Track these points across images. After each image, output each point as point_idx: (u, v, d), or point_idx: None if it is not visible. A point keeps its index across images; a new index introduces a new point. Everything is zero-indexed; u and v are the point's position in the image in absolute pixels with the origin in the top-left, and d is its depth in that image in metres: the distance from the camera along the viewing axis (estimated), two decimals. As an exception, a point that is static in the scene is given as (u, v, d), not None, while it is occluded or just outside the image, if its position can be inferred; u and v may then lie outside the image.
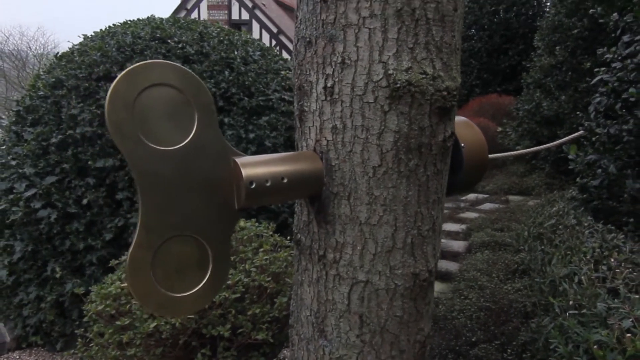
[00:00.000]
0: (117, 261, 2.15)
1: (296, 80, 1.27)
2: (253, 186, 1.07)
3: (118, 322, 1.65)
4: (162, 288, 1.03)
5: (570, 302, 2.03)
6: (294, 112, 1.37)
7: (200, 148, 1.05)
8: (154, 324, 1.59)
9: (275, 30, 17.88)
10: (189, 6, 18.94)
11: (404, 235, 1.21)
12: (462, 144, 1.39)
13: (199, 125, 1.06)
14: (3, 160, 3.01)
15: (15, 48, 26.23)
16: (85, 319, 1.83)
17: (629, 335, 1.58)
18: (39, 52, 26.61)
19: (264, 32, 18.22)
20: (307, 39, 1.18)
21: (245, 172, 1.06)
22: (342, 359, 1.33)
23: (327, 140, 1.18)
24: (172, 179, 1.03)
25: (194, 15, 18.75)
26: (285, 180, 1.12)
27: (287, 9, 21.82)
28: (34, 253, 2.84)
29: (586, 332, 1.75)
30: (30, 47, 26.43)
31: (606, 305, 1.82)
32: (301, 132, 1.28)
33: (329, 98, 1.15)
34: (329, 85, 1.13)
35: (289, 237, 2.16)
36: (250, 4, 18.13)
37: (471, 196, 6.26)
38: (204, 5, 18.63)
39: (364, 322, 1.28)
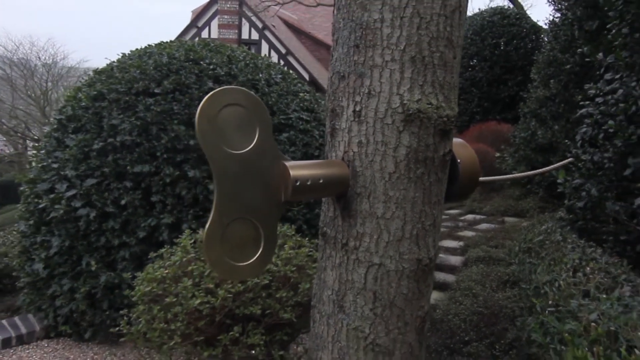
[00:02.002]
0: (155, 254, 2.46)
1: (330, 104, 1.62)
2: (298, 184, 1.40)
3: (167, 299, 1.96)
4: (228, 258, 1.35)
5: (550, 302, 2.34)
6: (326, 130, 1.71)
7: (259, 153, 1.39)
8: (198, 301, 1.90)
9: (284, 51, 18.35)
10: (200, 24, 19.47)
11: (411, 227, 1.54)
12: (459, 160, 1.73)
13: (259, 135, 1.40)
14: (44, 163, 3.34)
15: (25, 57, 26.67)
16: (134, 298, 2.13)
17: (594, 324, 1.89)
18: (48, 62, 27.08)
19: (272, 52, 18.67)
20: (341, 74, 1.53)
21: (293, 173, 1.39)
22: (358, 329, 1.65)
23: (354, 152, 1.52)
24: (239, 175, 1.36)
25: (205, 33, 19.27)
26: (321, 181, 1.46)
27: (296, 30, 22.47)
28: (70, 248, 3.14)
29: (561, 325, 2.05)
30: (39, 57, 26.93)
31: (578, 302, 2.13)
32: (331, 145, 1.63)
33: (356, 119, 1.49)
34: (357, 109, 1.48)
35: (306, 238, 2.48)
36: (260, 25, 18.65)
37: (469, 217, 6.57)
38: (214, 24, 19.14)
39: (377, 297, 1.60)
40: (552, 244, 3.35)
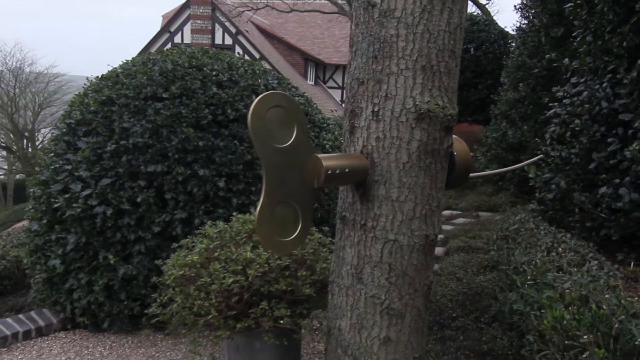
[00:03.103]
0: (177, 244, 2.69)
1: (349, 106, 1.92)
2: (329, 172, 1.69)
3: (202, 279, 2.20)
4: (275, 234, 1.63)
5: (528, 278, 2.70)
6: (344, 128, 2.01)
7: (297, 146, 1.68)
8: (231, 280, 2.15)
9: (257, 56, 18.49)
10: (172, 29, 19.42)
11: (420, 208, 1.85)
12: (455, 153, 2.05)
13: (297, 132, 1.68)
14: (56, 166, 3.50)
15: (-9, 63, 25.85)
16: (168, 282, 2.36)
17: (568, 291, 2.24)
18: (16, 67, 26.32)
19: (246, 57, 18.70)
20: (360, 80, 1.83)
21: (325, 163, 1.68)
22: (375, 297, 1.95)
23: (372, 146, 1.82)
24: (282, 165, 1.65)
25: (177, 38, 19.25)
26: (347, 170, 1.76)
27: (269, 35, 22.64)
28: (86, 244, 3.32)
29: (539, 294, 2.40)
30: (6, 62, 26.20)
31: (553, 275, 2.49)
32: (350, 141, 1.93)
33: (375, 118, 1.80)
34: (375, 110, 1.78)
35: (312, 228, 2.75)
36: (233, 30, 18.74)
37: (446, 212, 6.98)
38: (187, 29, 19.12)
39: (391, 269, 1.90)
40: (527, 231, 3.74)
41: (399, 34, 1.70)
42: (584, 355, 1.75)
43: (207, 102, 3.45)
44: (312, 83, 23.00)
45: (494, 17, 12.94)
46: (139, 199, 3.20)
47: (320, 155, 1.69)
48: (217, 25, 18.58)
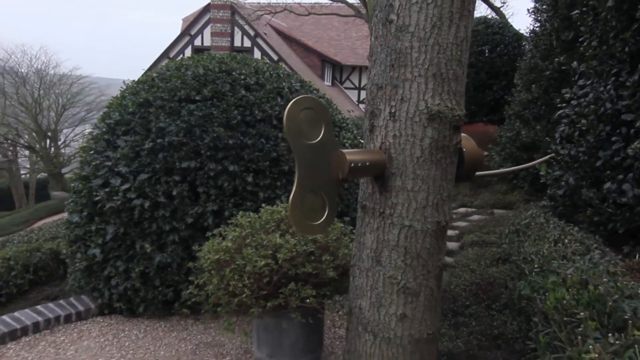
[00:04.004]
0: (211, 233, 2.97)
1: (369, 107, 2.17)
2: (352, 165, 1.94)
3: (237, 262, 2.47)
4: (305, 219, 1.88)
5: (535, 266, 2.90)
6: (364, 127, 2.26)
7: (325, 143, 1.93)
8: (263, 262, 2.42)
9: (276, 58, 18.82)
10: (192, 32, 19.89)
11: (432, 198, 2.09)
12: (464, 149, 2.28)
13: (325, 131, 1.93)
14: (96, 162, 3.82)
15: (17, 65, 26.67)
16: (205, 266, 2.63)
17: (570, 276, 2.45)
18: (40, 70, 27.09)
19: (264, 59, 18.98)
20: (379, 85, 2.08)
21: (349, 157, 1.93)
22: (392, 277, 2.19)
23: (389, 142, 2.07)
24: (311, 159, 1.90)
25: (198, 41, 19.72)
26: (367, 164, 2.00)
27: (287, 38, 23.00)
28: (124, 234, 3.62)
29: (544, 280, 2.61)
30: (32, 65, 27.00)
31: (558, 263, 2.69)
32: (370, 139, 2.17)
33: (392, 118, 2.04)
34: (392, 111, 2.03)
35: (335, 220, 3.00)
36: (252, 33, 19.11)
37: (461, 210, 7.16)
38: (207, 33, 19.55)
39: (407, 251, 2.14)
40: (537, 225, 3.93)
41: (413, 46, 1.94)
42: (580, 329, 1.96)
43: (236, 103, 3.73)
44: (329, 84, 23.28)
45: (509, 20, 13.04)
46: (173, 193, 3.49)
47: (344, 151, 1.94)
48: (236, 28, 18.98)
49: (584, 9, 4.27)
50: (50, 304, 3.81)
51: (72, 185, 4.07)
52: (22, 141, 25.56)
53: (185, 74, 3.88)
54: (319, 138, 1.89)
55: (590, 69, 4.09)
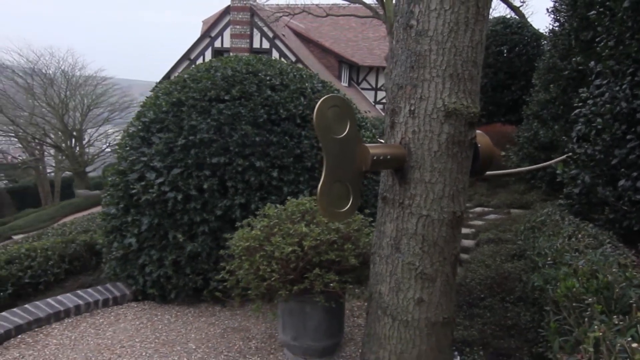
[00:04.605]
0: (240, 224, 3.18)
1: (390, 106, 2.34)
2: (375, 158, 2.12)
3: (266, 248, 2.68)
4: (332, 206, 2.07)
5: (549, 259, 3.03)
6: (385, 124, 2.43)
7: (350, 138, 2.11)
8: (290, 249, 2.62)
9: (293, 59, 19.06)
10: (212, 34, 20.26)
11: (449, 189, 2.26)
12: (479, 145, 2.44)
13: (349, 126, 2.12)
14: (133, 158, 4.07)
15: (45, 66, 27.49)
16: (236, 252, 2.84)
17: (581, 266, 2.58)
18: (67, 71, 27.86)
19: (282, 60, 19.20)
20: (400, 85, 2.26)
21: (372, 151, 2.11)
22: (410, 263, 2.36)
23: (409, 138, 2.24)
24: (338, 152, 2.08)
25: (217, 43, 20.07)
26: (389, 157, 2.18)
27: (304, 39, 23.25)
28: (158, 225, 3.86)
29: (557, 271, 2.74)
30: (59, 67, 27.80)
31: (570, 256, 2.82)
32: (390, 135, 2.35)
33: (411, 115, 2.22)
34: (412, 109, 2.20)
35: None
36: (271, 34, 19.40)
37: (478, 209, 7.26)
38: (227, 34, 19.90)
39: (424, 239, 2.31)
40: (552, 222, 4.04)
41: (431, 48, 2.12)
42: (587, 313, 2.10)
43: (262, 103, 3.95)
44: (346, 85, 23.43)
45: (528, 19, 13.01)
46: (204, 186, 3.72)
47: (367, 145, 2.12)
48: (255, 30, 19.29)
49: (601, 9, 4.37)
50: (90, 289, 4.09)
51: (109, 179, 4.34)
52: (48, 140, 26.34)
53: (215, 75, 4.11)
54: (344, 133, 2.07)
55: (607, 69, 4.18)
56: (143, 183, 3.88)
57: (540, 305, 3.13)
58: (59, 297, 3.88)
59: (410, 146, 2.23)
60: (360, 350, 3.07)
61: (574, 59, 5.16)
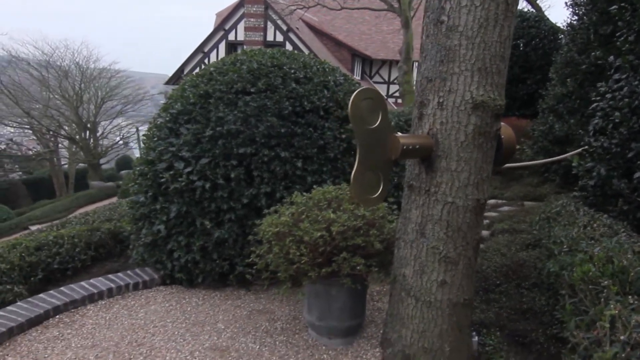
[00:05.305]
0: (267, 211, 3.33)
1: (418, 98, 2.47)
2: (404, 148, 2.25)
3: (296, 233, 2.83)
4: (364, 192, 2.21)
5: (565, 247, 3.15)
6: (413, 115, 2.56)
7: (382, 128, 2.25)
8: (319, 234, 2.76)
9: (307, 52, 19.10)
10: (227, 27, 20.36)
11: (473, 177, 2.39)
12: (502, 136, 2.56)
13: (382, 117, 2.25)
14: (161, 148, 4.23)
15: (60, 59, 27.81)
16: (267, 236, 3.00)
17: (597, 253, 2.69)
18: (82, 64, 28.17)
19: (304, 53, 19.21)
20: (429, 78, 2.38)
21: (402, 141, 2.25)
22: (435, 247, 2.50)
23: (437, 129, 2.37)
24: (371, 142, 2.22)
25: (231, 36, 20.20)
26: (417, 147, 2.31)
27: (318, 32, 23.30)
28: (186, 213, 4.03)
29: (572, 257, 2.86)
30: (75, 60, 28.12)
31: (585, 243, 2.94)
32: (418, 125, 2.48)
33: (439, 107, 2.34)
34: (440, 101, 2.33)
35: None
36: (284, 27, 19.47)
37: (491, 201, 7.34)
38: (241, 27, 20.00)
39: (449, 225, 2.45)
40: (567, 213, 4.14)
41: (461, 43, 2.24)
42: (603, 294, 2.22)
43: (287, 95, 4.09)
44: (359, 78, 23.47)
45: (545, 12, 12.96)
46: (231, 176, 3.87)
47: (398, 135, 2.25)
48: (269, 23, 19.36)
49: (623, 4, 4.42)
50: (120, 274, 4.28)
51: (137, 168, 4.51)
52: (63, 132, 26.70)
53: (241, 68, 4.25)
54: (377, 123, 2.21)
55: (626, 63, 4.25)
56: (172, 172, 4.04)
57: (555, 290, 3.26)
58: (91, 281, 4.07)
59: (437, 136, 2.36)
60: (381, 331, 3.22)
61: (592, 53, 5.21)
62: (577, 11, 7.51)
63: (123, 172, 25.95)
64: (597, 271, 2.45)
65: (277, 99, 4.06)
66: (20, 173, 28.35)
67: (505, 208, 6.82)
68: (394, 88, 23.78)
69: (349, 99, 3.98)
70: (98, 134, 28.50)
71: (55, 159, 27.04)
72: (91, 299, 3.89)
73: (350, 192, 2.17)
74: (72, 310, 3.77)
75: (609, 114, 4.43)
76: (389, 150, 2.27)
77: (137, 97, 29.97)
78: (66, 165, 28.10)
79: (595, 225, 3.38)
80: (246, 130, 3.96)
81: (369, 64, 24.51)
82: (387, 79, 24.36)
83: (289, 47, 18.91)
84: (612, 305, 1.98)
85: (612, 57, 4.72)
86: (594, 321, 2.11)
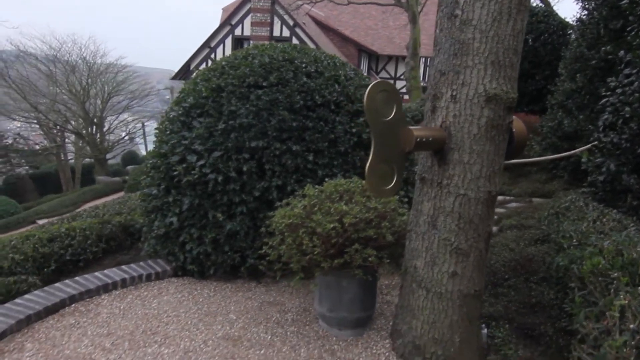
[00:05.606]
0: (280, 203, 3.38)
1: (431, 91, 2.50)
2: (418, 140, 2.28)
3: (310, 225, 2.87)
4: (378, 183, 2.24)
5: (574, 241, 3.17)
6: (426, 108, 2.59)
7: (396, 120, 2.28)
8: (331, 225, 2.81)
9: (313, 47, 19.01)
10: (233, 22, 20.37)
11: (485, 170, 2.42)
12: (514, 129, 2.59)
13: (396, 109, 2.29)
14: (174, 141, 4.29)
15: (67, 53, 27.92)
16: (280, 228, 3.04)
17: (607, 246, 2.72)
18: (89, 59, 28.28)
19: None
20: (442, 72, 2.41)
21: (415, 133, 2.28)
22: (446, 239, 2.53)
23: (450, 121, 2.40)
24: (385, 134, 2.26)
25: (238, 31, 20.21)
26: (431, 139, 2.34)
27: (324, 27, 23.27)
28: (199, 205, 4.09)
29: (582, 251, 2.89)
30: (82, 55, 28.23)
31: (595, 237, 2.96)
32: (431, 118, 2.51)
33: (453, 100, 2.37)
34: (454, 94, 2.36)
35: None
36: (291, 22, 19.44)
37: (499, 198, 7.34)
38: (247, 22, 20.00)
39: (461, 217, 2.48)
40: (576, 208, 4.16)
41: (475, 37, 2.26)
42: (612, 285, 2.25)
43: (298, 89, 4.12)
44: (365, 74, 23.40)
45: (554, 7, 12.88)
46: (243, 169, 3.92)
47: (411, 127, 2.29)
48: (275, 18, 19.35)
49: (633, -1, 4.42)
50: (133, 265, 4.35)
51: (150, 161, 4.57)
52: (69, 127, 26.85)
53: (253, 63, 4.29)
54: (391, 116, 2.24)
55: (637, 58, 4.25)
56: (184, 165, 4.09)
57: (564, 284, 3.28)
58: (105, 271, 4.15)
59: (450, 129, 2.39)
60: (391, 323, 3.26)
61: (602, 48, 5.20)
62: (586, 6, 7.47)
63: (129, 167, 26.11)
64: (607, 264, 2.47)
65: (289, 92, 4.10)
66: (27, 167, 28.55)
67: (513, 204, 6.83)
68: (400, 84, 23.74)
69: (360, 93, 4.03)
70: (104, 129, 28.64)
71: (62, 153, 27.20)
72: (105, 289, 3.97)
73: (365, 183, 2.21)
74: (87, 299, 3.85)
75: (619, 109, 4.44)
76: (403, 143, 2.31)
77: (144, 92, 30.06)
78: (73, 160, 28.27)
79: (604, 219, 3.40)
80: (258, 123, 4.00)
81: (375, 59, 24.46)
82: (393, 75, 24.31)
83: (295, 42, 18.89)
84: (622, 296, 2.01)
85: (622, 52, 4.71)
86: (603, 312, 2.14)
